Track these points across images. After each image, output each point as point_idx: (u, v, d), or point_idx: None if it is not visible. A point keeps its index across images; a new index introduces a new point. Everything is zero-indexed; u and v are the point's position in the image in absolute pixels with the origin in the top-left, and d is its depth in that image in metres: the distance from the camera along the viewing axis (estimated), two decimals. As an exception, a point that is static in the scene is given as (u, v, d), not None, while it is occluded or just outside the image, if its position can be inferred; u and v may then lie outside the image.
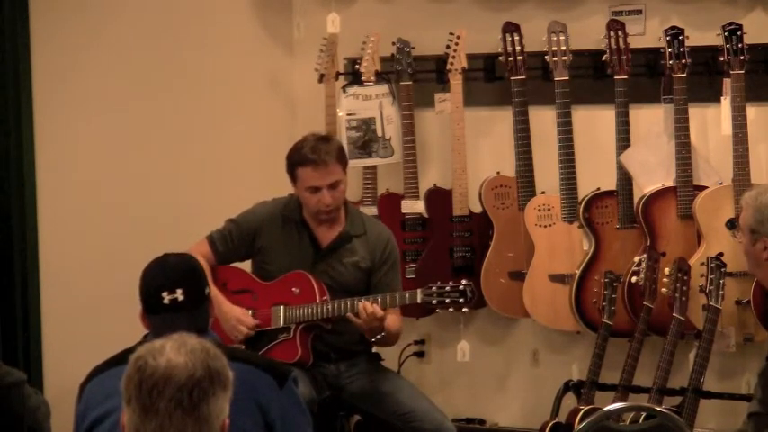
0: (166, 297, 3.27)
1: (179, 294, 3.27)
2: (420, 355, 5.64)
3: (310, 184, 4.65)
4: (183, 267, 3.35)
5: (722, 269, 4.95)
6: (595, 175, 5.33)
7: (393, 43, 5.43)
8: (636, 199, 5.27)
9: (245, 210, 4.85)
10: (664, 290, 5.04)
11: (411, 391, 4.79)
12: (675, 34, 5.20)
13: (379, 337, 4.64)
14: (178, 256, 3.41)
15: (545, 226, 5.31)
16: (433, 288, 4.59)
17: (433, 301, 4.60)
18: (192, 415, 2.49)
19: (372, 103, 5.46)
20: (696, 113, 5.27)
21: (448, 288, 4.59)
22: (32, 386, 4.19)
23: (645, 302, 5.06)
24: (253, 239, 4.80)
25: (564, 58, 5.27)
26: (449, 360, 5.62)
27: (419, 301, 4.60)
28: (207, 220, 4.91)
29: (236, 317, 4.70)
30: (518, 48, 5.28)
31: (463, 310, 4.70)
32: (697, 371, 4.96)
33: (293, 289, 4.71)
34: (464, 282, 4.62)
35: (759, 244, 3.85)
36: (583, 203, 5.27)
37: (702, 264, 5.01)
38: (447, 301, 4.60)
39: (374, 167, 5.51)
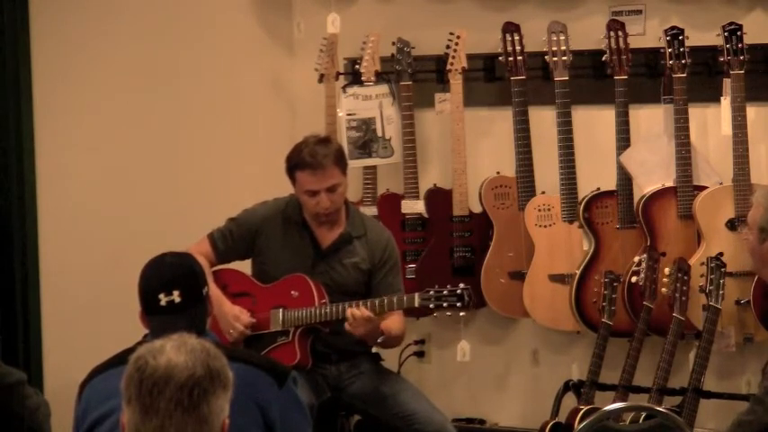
0: (163, 299, 3.27)
1: (176, 296, 3.27)
2: (420, 355, 5.64)
3: (308, 187, 4.65)
4: (181, 268, 3.34)
5: (722, 269, 4.96)
6: (595, 175, 5.34)
7: (393, 43, 5.43)
8: (636, 199, 5.27)
9: (246, 209, 4.86)
10: (664, 290, 5.04)
11: (412, 393, 4.79)
12: (675, 34, 5.20)
13: (380, 341, 4.63)
14: (176, 255, 3.40)
15: (545, 226, 5.31)
16: (431, 292, 4.58)
17: (431, 305, 4.59)
18: (193, 414, 2.49)
19: (372, 103, 5.46)
20: (696, 113, 5.28)
21: (445, 292, 4.58)
22: (32, 386, 4.18)
23: (645, 302, 5.07)
24: (253, 239, 4.80)
25: (564, 58, 5.28)
26: (449, 360, 5.62)
27: (417, 305, 4.60)
28: (207, 220, 4.91)
29: (234, 314, 4.71)
30: (518, 48, 5.28)
31: (461, 314, 4.70)
32: (697, 371, 4.97)
33: (292, 292, 4.71)
34: (462, 285, 4.60)
35: (767, 244, 3.83)
36: (583, 203, 5.27)
37: (702, 264, 5.01)
38: (445, 304, 4.59)
39: (374, 167, 5.51)
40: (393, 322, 4.67)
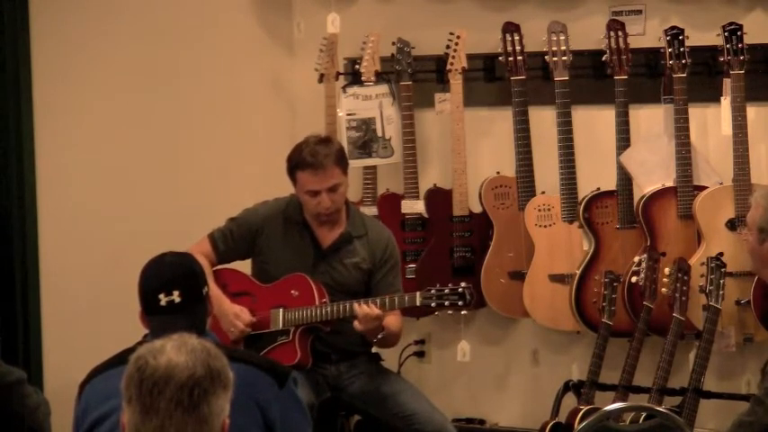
0: (163, 299, 3.27)
1: (176, 296, 3.27)
2: (420, 355, 5.64)
3: (309, 187, 4.65)
4: (181, 268, 3.34)
5: (722, 269, 4.96)
6: (595, 175, 5.34)
7: (393, 43, 5.43)
8: (636, 199, 5.27)
9: (247, 208, 4.86)
10: (664, 290, 5.04)
11: (412, 393, 4.79)
12: (675, 34, 5.20)
13: (379, 337, 4.63)
14: (176, 255, 3.40)
15: (545, 226, 5.31)
16: (432, 291, 4.58)
17: (432, 304, 4.59)
18: (193, 414, 2.49)
19: (372, 103, 5.46)
20: (696, 113, 5.28)
21: (447, 291, 4.58)
22: (32, 385, 4.18)
23: (645, 302, 5.07)
24: (254, 239, 4.80)
25: (564, 58, 5.28)
26: (449, 360, 5.62)
27: (418, 303, 4.60)
28: (207, 220, 4.91)
29: (235, 312, 4.71)
30: (518, 48, 5.28)
31: (462, 313, 4.70)
32: (697, 371, 4.97)
33: (292, 292, 4.71)
34: (463, 284, 4.61)
35: (767, 244, 3.83)
36: (583, 203, 5.27)
37: (702, 264, 5.01)
38: (446, 303, 4.59)
39: (374, 167, 5.51)
40: (391, 320, 4.67)
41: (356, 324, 4.55)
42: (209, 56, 5.64)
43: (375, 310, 4.52)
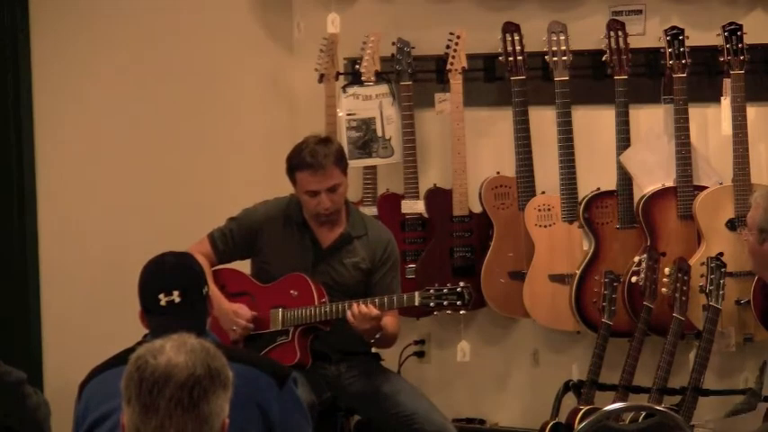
0: (163, 299, 3.27)
1: (176, 296, 3.27)
2: (420, 355, 5.64)
3: (309, 188, 4.65)
4: (181, 268, 3.34)
5: (722, 269, 4.96)
6: (595, 175, 5.34)
7: (393, 43, 5.43)
8: (636, 199, 5.27)
9: (247, 208, 4.86)
10: (664, 290, 5.04)
11: (412, 393, 4.79)
12: (675, 34, 5.20)
13: (377, 337, 4.63)
14: (176, 255, 3.40)
15: (545, 226, 5.31)
16: (431, 290, 4.58)
17: (431, 304, 4.60)
18: (192, 413, 2.49)
19: (372, 103, 5.45)
20: (696, 113, 5.28)
21: (445, 290, 4.58)
22: (32, 386, 4.18)
23: (645, 302, 5.07)
24: (254, 238, 4.80)
25: (564, 58, 5.27)
26: (449, 360, 5.62)
27: (417, 303, 4.60)
28: (207, 220, 4.91)
29: (234, 310, 4.70)
30: (518, 48, 5.28)
31: (461, 312, 4.70)
32: (697, 371, 4.97)
33: (291, 291, 4.71)
34: (462, 284, 4.61)
35: (767, 244, 3.83)
36: (583, 203, 5.27)
37: (702, 264, 5.02)
38: (445, 303, 4.59)
39: (374, 167, 5.51)
40: (389, 321, 4.67)
41: (349, 316, 4.54)
42: (210, 56, 5.64)
43: (373, 311, 4.53)
